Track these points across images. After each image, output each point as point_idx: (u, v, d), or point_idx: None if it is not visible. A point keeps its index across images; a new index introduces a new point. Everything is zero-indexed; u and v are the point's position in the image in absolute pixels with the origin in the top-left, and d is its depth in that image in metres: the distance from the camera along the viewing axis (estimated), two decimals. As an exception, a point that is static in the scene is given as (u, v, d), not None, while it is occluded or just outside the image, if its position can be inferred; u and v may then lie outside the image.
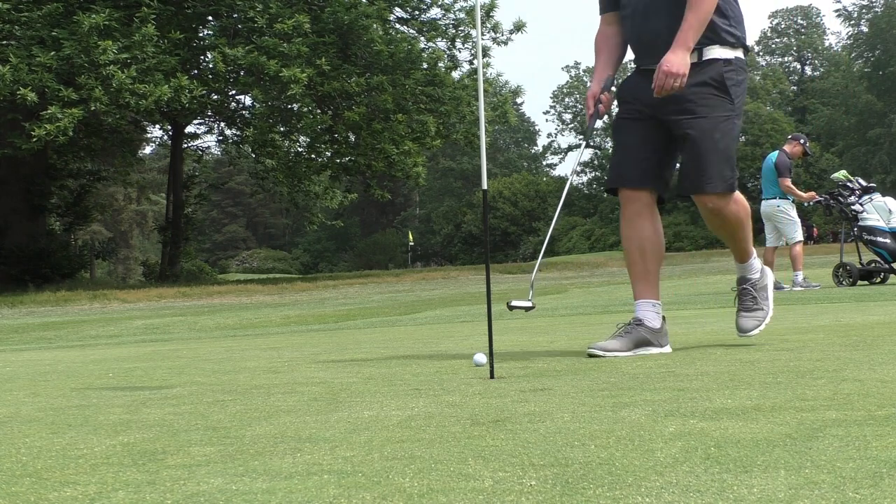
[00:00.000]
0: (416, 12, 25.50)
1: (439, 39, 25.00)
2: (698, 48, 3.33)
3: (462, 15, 24.98)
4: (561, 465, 1.46)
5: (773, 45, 76.69)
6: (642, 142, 3.47)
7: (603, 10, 3.67)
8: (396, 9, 24.97)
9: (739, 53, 3.41)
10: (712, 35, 3.33)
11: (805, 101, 69.51)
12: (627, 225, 3.52)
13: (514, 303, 3.22)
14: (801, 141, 10.99)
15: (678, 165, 3.57)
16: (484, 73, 25.09)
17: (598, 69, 3.65)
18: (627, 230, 3.52)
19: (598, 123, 3.69)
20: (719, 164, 3.36)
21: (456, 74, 24.91)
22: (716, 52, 3.35)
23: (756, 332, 3.53)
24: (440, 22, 25.29)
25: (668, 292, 11.71)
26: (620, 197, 3.54)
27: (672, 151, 3.51)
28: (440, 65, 24.13)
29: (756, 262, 3.65)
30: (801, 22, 76.24)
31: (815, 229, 45.84)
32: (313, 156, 26.59)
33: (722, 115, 3.34)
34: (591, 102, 3.57)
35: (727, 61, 3.36)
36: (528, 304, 3.27)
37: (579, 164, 3.77)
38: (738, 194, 3.51)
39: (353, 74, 22.61)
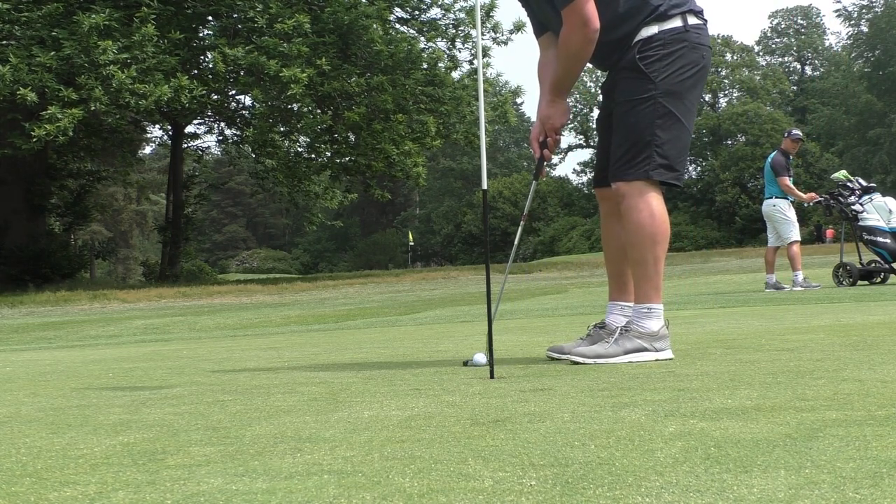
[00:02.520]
0: (416, 12, 25.51)
1: (439, 39, 25.01)
2: (634, 32, 3.15)
3: (462, 15, 25.00)
4: (561, 465, 1.46)
5: (773, 45, 76.77)
6: (606, 140, 3.34)
7: (538, 34, 3.43)
8: (396, 9, 24.98)
9: (670, 24, 3.15)
10: (643, 14, 3.14)
11: (805, 101, 69.57)
12: (601, 225, 3.50)
13: (472, 360, 3.10)
14: (788, 133, 11.13)
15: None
16: (484, 73, 25.13)
17: (540, 103, 3.36)
18: (602, 230, 3.51)
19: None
20: (634, 148, 3.13)
21: (456, 74, 24.94)
22: (641, 32, 3.15)
23: (585, 360, 3.11)
24: (440, 22, 25.31)
25: (669, 292, 11.69)
26: (597, 197, 3.51)
27: None
28: (440, 65, 24.15)
29: (658, 315, 3.16)
30: (801, 22, 76.31)
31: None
32: (313, 156, 26.61)
33: (639, 97, 3.13)
34: (536, 145, 3.30)
35: (646, 39, 3.13)
36: (484, 360, 3.06)
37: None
38: (659, 209, 3.16)
39: (353, 74, 22.62)
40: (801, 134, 11.33)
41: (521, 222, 3.52)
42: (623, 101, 3.18)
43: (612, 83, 3.29)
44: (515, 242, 3.62)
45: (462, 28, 25.00)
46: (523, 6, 3.41)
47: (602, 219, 3.48)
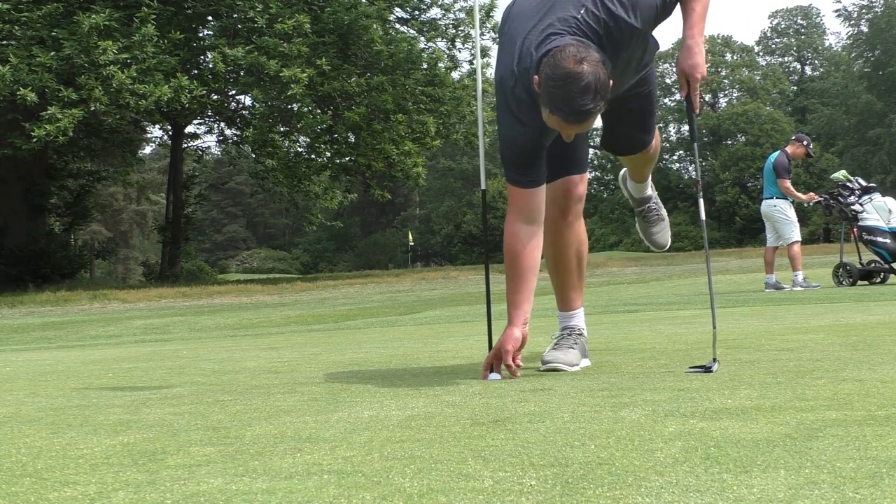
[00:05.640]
0: (416, 12, 25.50)
1: (439, 39, 25.01)
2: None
3: (462, 15, 25.00)
4: (561, 465, 1.46)
5: (773, 45, 76.68)
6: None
7: (539, 182, 2.84)
8: (396, 9, 24.97)
9: None
10: None
11: (805, 101, 69.51)
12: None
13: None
14: (805, 143, 10.95)
15: (619, 129, 3.21)
16: (484, 74, 25.10)
17: (525, 299, 2.85)
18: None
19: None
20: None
21: (456, 75, 24.92)
22: None
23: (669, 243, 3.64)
24: (440, 22, 25.30)
25: (669, 292, 11.71)
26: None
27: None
28: (440, 65, 24.13)
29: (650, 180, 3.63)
30: (801, 22, 76.22)
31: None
32: (313, 156, 26.57)
33: (654, 84, 3.23)
34: (508, 358, 2.79)
35: None
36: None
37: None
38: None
39: (353, 74, 22.61)
40: (812, 150, 11.19)
41: (699, 192, 3.03)
42: (651, 91, 3.12)
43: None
44: (702, 218, 3.02)
45: (462, 28, 24.98)
46: None
47: (560, 215, 3.13)
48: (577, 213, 3.13)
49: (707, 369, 2.66)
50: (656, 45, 3.11)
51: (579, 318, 3.23)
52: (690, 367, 2.74)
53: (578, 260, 3.21)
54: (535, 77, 2.59)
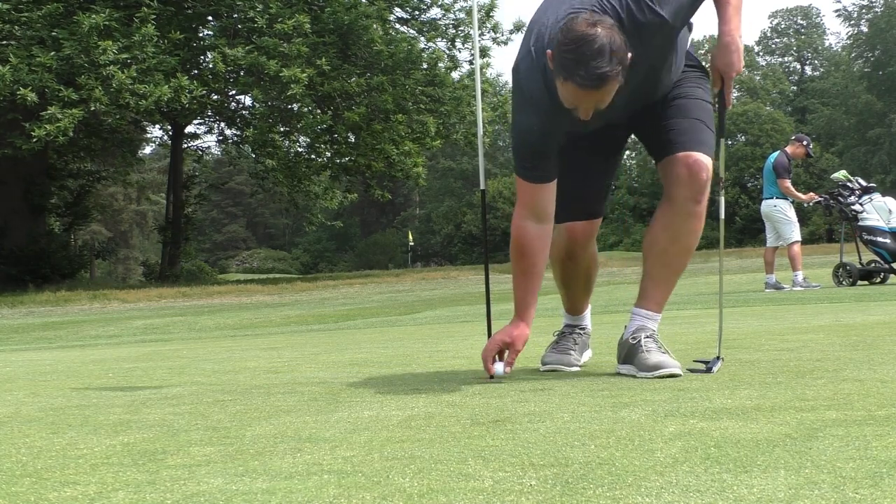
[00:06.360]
0: (416, 12, 25.51)
1: (439, 39, 25.01)
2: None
3: (462, 15, 25.01)
4: (561, 465, 1.46)
5: (773, 45, 76.73)
6: (601, 167, 3.12)
7: (548, 178, 2.78)
8: (396, 9, 24.97)
9: None
10: None
11: (805, 101, 69.55)
12: (563, 263, 3.17)
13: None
14: (805, 143, 10.95)
15: (660, 132, 2.89)
16: (484, 73, 25.15)
17: (530, 299, 2.81)
18: (564, 269, 3.19)
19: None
20: (710, 126, 2.89)
21: (456, 75, 24.93)
22: None
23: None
24: (440, 22, 25.30)
25: (668, 292, 11.67)
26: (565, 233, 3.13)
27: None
28: (440, 65, 24.14)
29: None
30: (801, 22, 76.27)
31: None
32: (313, 156, 26.58)
33: (700, 77, 2.93)
34: (514, 358, 2.75)
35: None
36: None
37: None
38: None
39: (353, 74, 22.62)
40: (812, 150, 11.19)
41: (720, 190, 2.99)
42: (701, 87, 2.91)
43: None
44: (721, 217, 3.04)
45: (462, 28, 24.99)
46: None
47: (566, 257, 3.09)
48: (582, 252, 3.10)
49: (708, 368, 2.67)
50: (706, 73, 2.94)
51: (584, 319, 3.28)
52: (694, 361, 2.76)
53: (587, 281, 3.21)
54: (549, 52, 2.49)
